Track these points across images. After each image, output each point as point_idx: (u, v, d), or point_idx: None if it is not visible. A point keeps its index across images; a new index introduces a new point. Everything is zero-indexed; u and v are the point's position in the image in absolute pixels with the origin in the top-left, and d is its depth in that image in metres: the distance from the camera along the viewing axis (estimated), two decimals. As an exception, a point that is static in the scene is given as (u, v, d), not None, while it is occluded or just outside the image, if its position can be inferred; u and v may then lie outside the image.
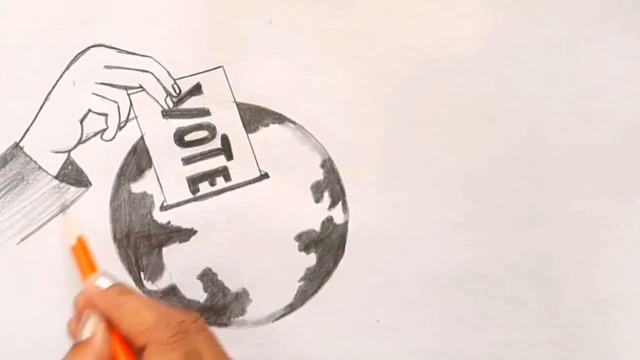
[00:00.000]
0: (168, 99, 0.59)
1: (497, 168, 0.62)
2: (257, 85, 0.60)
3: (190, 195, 0.60)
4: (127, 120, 0.59)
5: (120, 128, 0.59)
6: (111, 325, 0.51)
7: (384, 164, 0.61)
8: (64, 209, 0.58)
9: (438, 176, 0.62)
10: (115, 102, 0.59)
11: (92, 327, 0.51)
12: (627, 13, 0.62)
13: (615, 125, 0.62)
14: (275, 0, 0.60)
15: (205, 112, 0.60)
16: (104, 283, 0.52)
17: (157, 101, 0.59)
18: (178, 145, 0.60)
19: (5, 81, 0.58)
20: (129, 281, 0.60)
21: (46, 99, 0.59)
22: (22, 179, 0.59)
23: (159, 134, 0.60)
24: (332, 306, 0.62)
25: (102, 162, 0.59)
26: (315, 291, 0.62)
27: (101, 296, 0.52)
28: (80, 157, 0.59)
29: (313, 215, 0.61)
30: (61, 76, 0.59)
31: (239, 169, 0.60)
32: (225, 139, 0.60)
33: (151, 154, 0.60)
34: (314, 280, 0.61)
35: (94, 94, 0.59)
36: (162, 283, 0.60)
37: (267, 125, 0.60)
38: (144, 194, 0.60)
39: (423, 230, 0.62)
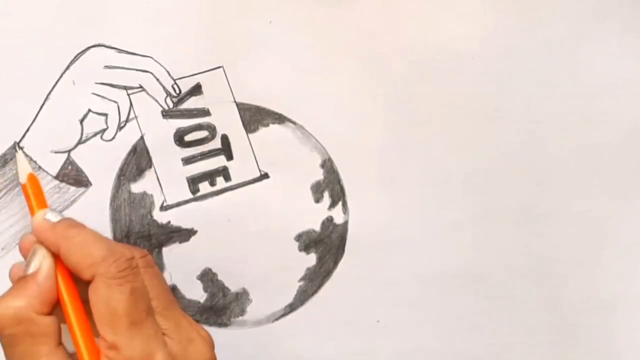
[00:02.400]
0: (168, 99, 0.59)
1: (497, 168, 0.62)
2: (257, 85, 0.60)
3: (190, 195, 0.60)
4: (127, 120, 0.59)
5: (120, 128, 0.59)
6: (57, 260, 0.51)
7: (384, 164, 0.61)
8: (15, 147, 0.58)
9: (438, 176, 0.62)
10: (115, 102, 0.59)
11: (38, 262, 0.50)
12: (627, 13, 0.62)
13: (615, 125, 0.62)
14: (275, 0, 0.60)
15: (205, 112, 0.60)
16: (53, 217, 0.52)
17: (157, 101, 0.59)
18: (178, 145, 0.60)
19: (5, 81, 0.58)
20: (129, 281, 0.60)
21: (46, 99, 0.59)
22: (22, 179, 0.59)
23: (159, 134, 0.60)
24: (332, 306, 0.62)
25: (102, 162, 0.59)
26: (315, 291, 0.62)
27: (50, 229, 0.51)
28: (80, 157, 0.59)
29: (313, 215, 0.61)
30: (61, 76, 0.59)
31: (239, 169, 0.60)
32: (225, 139, 0.60)
33: (151, 154, 0.60)
34: (314, 280, 0.61)
35: (94, 94, 0.59)
36: (162, 283, 0.60)
37: (267, 125, 0.60)
38: (144, 194, 0.60)
39: (423, 230, 0.62)
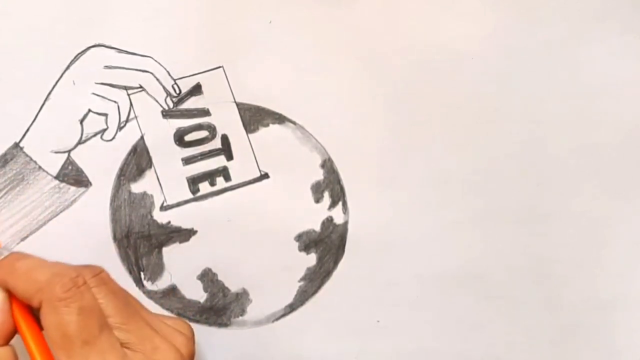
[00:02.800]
0: (168, 99, 0.59)
1: (497, 168, 0.62)
2: (257, 85, 0.60)
3: (190, 195, 0.60)
4: (127, 120, 0.59)
5: (120, 128, 0.59)
6: (11, 294, 0.50)
7: (384, 164, 0.61)
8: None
9: (438, 176, 0.62)
10: (115, 102, 0.59)
11: None
12: (628, 13, 0.62)
13: (615, 125, 0.62)
14: (275, 0, 0.60)
15: (205, 112, 0.60)
16: (1, 254, 0.52)
17: (157, 101, 0.59)
18: (178, 145, 0.60)
19: (5, 81, 0.58)
20: (129, 281, 0.60)
21: (46, 99, 0.59)
22: (22, 179, 0.59)
23: (159, 134, 0.60)
24: (332, 306, 0.62)
25: (102, 162, 0.59)
26: (315, 291, 0.62)
27: None
28: (80, 157, 0.59)
29: (313, 215, 0.61)
30: (61, 76, 0.59)
31: (239, 169, 0.60)
32: (225, 139, 0.60)
33: (151, 154, 0.60)
34: (314, 280, 0.61)
35: (94, 94, 0.59)
36: (162, 283, 0.60)
37: (267, 125, 0.60)
38: (144, 194, 0.60)
39: (423, 230, 0.62)
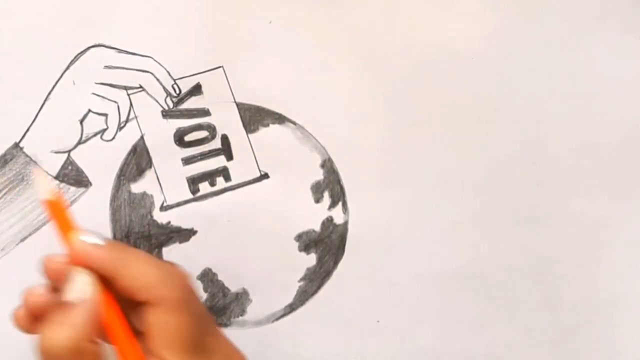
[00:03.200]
0: (168, 99, 0.59)
1: (497, 168, 0.62)
2: (257, 85, 0.60)
3: (190, 196, 0.60)
4: (127, 121, 0.59)
5: (120, 128, 0.59)
6: (104, 285, 0.49)
7: (384, 164, 0.61)
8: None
9: (438, 176, 0.62)
10: (115, 102, 0.59)
11: (81, 289, 0.48)
12: (628, 13, 0.62)
13: (615, 125, 0.62)
14: (275, 0, 0.60)
15: (205, 112, 0.60)
16: (91, 239, 0.49)
17: (157, 101, 0.59)
18: (178, 145, 0.60)
19: (5, 81, 0.58)
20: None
21: (46, 99, 0.59)
22: (22, 179, 0.59)
23: (159, 134, 0.60)
24: (332, 306, 0.62)
25: (102, 162, 0.59)
26: (315, 291, 0.62)
27: (100, 251, 0.49)
28: (80, 157, 0.59)
29: (313, 215, 0.61)
30: (61, 76, 0.59)
31: (239, 169, 0.60)
32: (225, 139, 0.60)
33: (151, 154, 0.60)
34: (314, 280, 0.61)
35: (94, 94, 0.59)
36: (162, 283, 0.60)
37: (267, 125, 0.60)
38: (144, 194, 0.60)
39: (423, 230, 0.62)
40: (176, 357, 0.47)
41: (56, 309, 0.48)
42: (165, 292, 0.48)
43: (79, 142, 0.59)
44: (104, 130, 0.59)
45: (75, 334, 0.47)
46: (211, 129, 0.60)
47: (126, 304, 0.49)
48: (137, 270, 0.49)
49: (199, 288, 0.61)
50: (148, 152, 0.60)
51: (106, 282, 0.49)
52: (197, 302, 0.50)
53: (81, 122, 0.59)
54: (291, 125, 0.61)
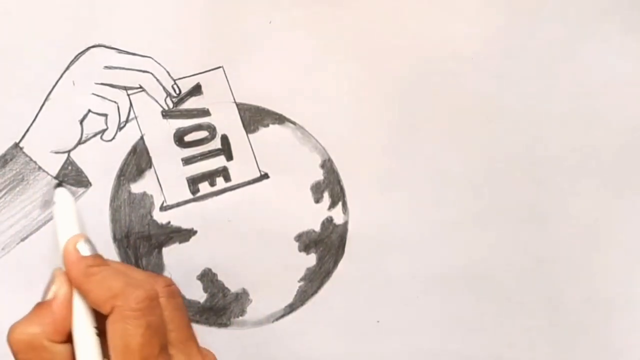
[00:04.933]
0: (168, 99, 0.59)
1: (497, 168, 0.62)
2: (257, 85, 0.60)
3: (190, 196, 0.60)
4: (127, 121, 0.59)
5: (120, 128, 0.59)
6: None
7: (384, 164, 0.61)
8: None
9: (438, 176, 0.62)
10: (115, 102, 0.59)
11: (55, 289, 0.50)
12: (628, 13, 0.62)
13: (615, 125, 0.62)
14: (275, 0, 0.60)
15: (205, 113, 0.60)
16: (84, 249, 0.50)
17: (157, 101, 0.59)
18: (178, 145, 0.60)
19: (5, 81, 0.58)
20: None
21: (46, 99, 0.59)
22: (22, 179, 0.59)
23: (159, 135, 0.60)
24: (332, 306, 0.62)
25: (102, 162, 0.59)
26: (315, 291, 0.62)
27: (74, 263, 0.50)
28: (80, 157, 0.59)
29: (313, 215, 0.61)
30: (61, 76, 0.59)
31: (239, 169, 0.60)
32: (225, 139, 0.60)
33: (151, 154, 0.60)
34: (314, 281, 0.61)
35: (94, 94, 0.59)
36: (162, 283, 0.60)
37: (267, 125, 0.60)
38: (144, 194, 0.60)
39: (423, 231, 0.62)
40: None
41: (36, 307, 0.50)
42: (117, 302, 0.48)
43: (79, 142, 0.59)
44: (104, 131, 0.59)
45: (37, 332, 0.48)
46: (211, 129, 0.60)
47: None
48: (100, 286, 0.49)
49: (199, 288, 0.61)
50: (148, 152, 0.60)
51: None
52: (156, 315, 0.49)
53: (81, 122, 0.59)
54: (291, 125, 0.61)
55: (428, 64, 0.61)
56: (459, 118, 0.61)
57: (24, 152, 0.58)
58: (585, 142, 0.62)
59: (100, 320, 0.49)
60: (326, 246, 0.61)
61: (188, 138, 0.60)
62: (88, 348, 0.49)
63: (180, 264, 0.60)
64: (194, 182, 0.60)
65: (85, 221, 0.58)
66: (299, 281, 0.61)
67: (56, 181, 0.58)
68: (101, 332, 0.49)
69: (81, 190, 0.59)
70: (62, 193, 0.53)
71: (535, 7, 0.61)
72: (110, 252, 0.60)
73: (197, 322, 0.61)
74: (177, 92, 0.59)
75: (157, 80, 0.59)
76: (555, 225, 0.62)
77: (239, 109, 0.60)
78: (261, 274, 0.61)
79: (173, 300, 0.51)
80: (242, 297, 0.61)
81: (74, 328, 0.49)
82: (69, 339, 0.49)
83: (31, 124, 0.59)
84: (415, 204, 0.62)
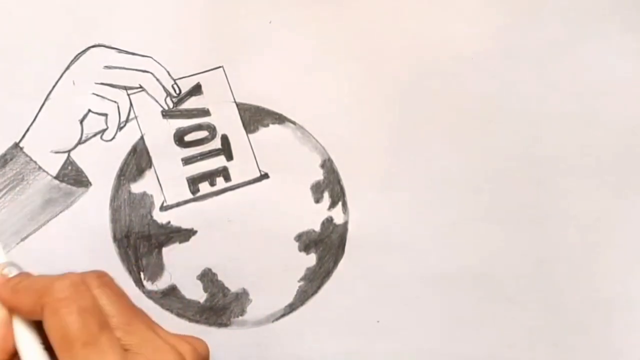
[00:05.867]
0: (168, 99, 0.59)
1: (497, 168, 0.62)
2: (257, 85, 0.60)
3: (190, 196, 0.60)
4: (127, 121, 0.59)
5: (120, 128, 0.59)
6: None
7: (384, 164, 0.61)
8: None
9: (438, 176, 0.62)
10: (115, 102, 0.59)
11: None
12: (628, 13, 0.62)
13: (615, 125, 0.62)
14: (275, 0, 0.60)
15: (205, 112, 0.60)
16: (10, 272, 0.50)
17: (157, 101, 0.59)
18: (178, 145, 0.60)
19: (5, 81, 0.58)
20: (129, 281, 0.60)
21: (46, 99, 0.59)
22: (22, 179, 0.59)
23: (159, 134, 0.60)
24: (332, 306, 0.62)
25: (102, 162, 0.59)
26: (315, 291, 0.62)
27: (2, 286, 0.50)
28: (80, 157, 0.59)
29: (313, 215, 0.61)
30: (61, 76, 0.59)
31: (239, 169, 0.60)
32: (225, 139, 0.60)
33: (151, 154, 0.60)
34: (314, 280, 0.61)
35: (94, 94, 0.59)
36: (162, 283, 0.60)
37: (267, 125, 0.60)
38: (144, 194, 0.60)
39: (423, 231, 0.62)
40: (66, 358, 0.47)
41: None
42: (45, 299, 0.48)
43: (79, 142, 0.59)
44: (104, 130, 0.59)
45: None
46: (211, 129, 0.60)
47: None
48: (28, 292, 0.49)
49: (199, 288, 0.61)
50: (148, 152, 0.60)
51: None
52: (86, 299, 0.48)
53: (81, 122, 0.59)
54: (291, 125, 0.61)
55: (428, 64, 0.61)
56: (459, 118, 0.61)
57: (24, 152, 0.58)
58: (585, 142, 0.62)
59: (45, 336, 0.49)
60: (326, 246, 0.61)
61: (188, 138, 0.60)
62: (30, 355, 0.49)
63: (180, 264, 0.60)
64: (194, 182, 0.60)
65: (85, 221, 0.58)
66: (299, 281, 0.61)
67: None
68: (47, 348, 0.49)
69: (81, 190, 0.59)
70: None
71: (535, 7, 0.61)
72: (110, 252, 0.60)
73: (197, 322, 0.61)
74: (177, 92, 0.59)
75: (157, 80, 0.59)
76: (555, 225, 0.62)
77: (239, 109, 0.60)
78: (261, 274, 0.61)
79: (107, 289, 0.50)
80: (242, 297, 0.61)
81: (19, 347, 0.49)
82: (13, 358, 0.49)
83: (31, 124, 0.59)
84: (415, 204, 0.62)
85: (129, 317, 0.50)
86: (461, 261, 0.62)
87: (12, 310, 0.49)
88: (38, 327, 0.49)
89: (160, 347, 0.49)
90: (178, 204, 0.60)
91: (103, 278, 0.50)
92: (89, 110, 0.59)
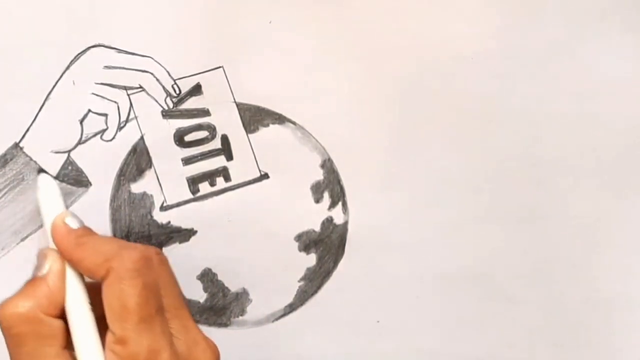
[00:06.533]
0: (168, 99, 0.59)
1: (497, 168, 0.62)
2: (257, 85, 0.60)
3: (190, 196, 0.60)
4: (127, 121, 0.59)
5: (120, 128, 0.59)
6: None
7: (384, 164, 0.61)
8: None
9: (438, 176, 0.62)
10: (115, 102, 0.59)
11: (48, 265, 0.49)
12: (628, 13, 0.62)
13: (615, 125, 0.62)
14: (275, 0, 0.60)
15: (205, 113, 0.60)
16: (73, 223, 0.51)
17: (157, 101, 0.59)
18: (178, 145, 0.60)
19: (5, 81, 0.58)
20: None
21: (46, 99, 0.59)
22: (22, 179, 0.59)
23: (159, 134, 0.60)
24: (332, 306, 0.62)
25: (102, 162, 0.59)
26: (315, 291, 0.62)
27: (64, 236, 0.50)
28: (80, 157, 0.59)
29: (313, 215, 0.61)
30: (61, 76, 0.59)
31: (239, 169, 0.60)
32: (225, 139, 0.60)
33: (151, 154, 0.60)
34: (314, 280, 0.61)
35: (94, 94, 0.59)
36: (162, 283, 0.60)
37: (267, 125, 0.60)
38: (144, 194, 0.60)
39: (423, 231, 0.62)
40: (119, 328, 0.47)
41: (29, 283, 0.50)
42: (113, 264, 0.48)
43: (79, 142, 0.59)
44: (104, 131, 0.59)
45: (31, 305, 0.48)
46: (211, 129, 0.60)
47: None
48: (93, 252, 0.49)
49: (199, 288, 0.61)
50: (148, 152, 0.60)
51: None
52: (151, 276, 0.48)
53: (81, 122, 0.59)
54: (291, 125, 0.61)
55: (428, 64, 0.61)
56: (459, 118, 0.61)
57: (24, 152, 0.58)
58: (585, 142, 0.62)
59: (93, 296, 0.49)
60: (326, 246, 0.61)
61: (188, 138, 0.60)
62: (83, 321, 0.48)
63: (180, 264, 0.60)
64: (194, 182, 0.60)
65: (85, 221, 0.58)
66: (299, 281, 0.61)
67: (37, 166, 0.58)
68: (94, 309, 0.49)
69: (81, 190, 0.59)
70: (45, 178, 0.53)
71: (535, 7, 0.61)
72: (110, 252, 0.59)
73: (197, 322, 0.60)
74: (177, 92, 0.59)
75: (157, 80, 0.59)
76: (555, 225, 0.62)
77: (239, 109, 0.60)
78: (261, 274, 0.61)
79: (164, 267, 0.50)
80: (242, 297, 0.61)
81: (67, 303, 0.49)
82: (63, 315, 0.49)
83: (31, 124, 0.58)
84: (415, 204, 0.62)
85: (179, 302, 0.50)
86: (461, 261, 0.62)
87: (72, 264, 0.49)
88: (89, 286, 0.49)
89: (199, 339, 0.50)
90: (178, 204, 0.60)
91: (162, 256, 0.51)
92: (89, 110, 0.59)
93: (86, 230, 0.51)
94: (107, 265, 0.48)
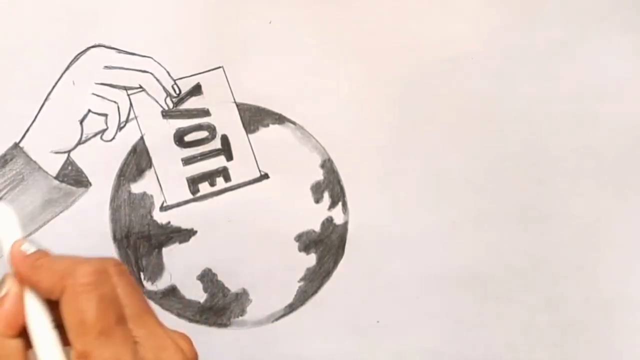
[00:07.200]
0: (168, 99, 0.59)
1: (497, 168, 0.62)
2: (257, 85, 0.60)
3: (190, 196, 0.60)
4: (127, 121, 0.59)
5: (120, 128, 0.59)
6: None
7: (384, 164, 0.61)
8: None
9: (438, 176, 0.62)
10: (115, 102, 0.59)
11: (5, 289, 0.50)
12: (628, 13, 0.62)
13: (615, 125, 0.62)
14: (275, 0, 0.60)
15: (205, 113, 0.60)
16: (28, 248, 0.50)
17: (157, 101, 0.59)
18: (178, 145, 0.60)
19: (5, 81, 0.58)
20: (129, 281, 0.60)
21: (46, 99, 0.59)
22: (22, 179, 0.59)
23: (159, 135, 0.60)
24: (332, 306, 0.62)
25: (102, 163, 0.59)
26: (315, 291, 0.62)
27: (21, 261, 0.50)
28: (80, 157, 0.59)
29: (313, 215, 0.61)
30: (61, 76, 0.59)
31: (239, 169, 0.60)
32: (225, 139, 0.60)
33: (151, 154, 0.60)
34: (314, 281, 0.61)
35: (94, 94, 0.59)
36: (162, 283, 0.60)
37: (267, 125, 0.60)
38: (144, 194, 0.60)
39: (423, 231, 0.62)
40: (80, 343, 0.47)
41: None
42: (67, 281, 0.48)
43: (79, 142, 0.59)
44: (104, 131, 0.59)
45: None
46: (211, 129, 0.60)
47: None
48: (48, 271, 0.49)
49: (199, 288, 0.61)
50: (148, 152, 0.60)
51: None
52: (108, 288, 0.48)
53: (81, 122, 0.59)
54: (291, 125, 0.61)
55: (428, 64, 0.61)
56: (459, 118, 0.61)
57: (24, 152, 0.58)
58: (585, 142, 0.62)
59: (56, 315, 0.49)
60: (326, 246, 0.61)
61: (188, 138, 0.60)
62: (45, 341, 0.49)
63: (180, 264, 0.60)
64: (194, 182, 0.60)
65: (85, 221, 0.58)
66: (299, 281, 0.61)
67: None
68: (57, 327, 0.49)
69: (81, 190, 0.59)
70: (1, 207, 0.53)
71: (535, 7, 0.61)
72: (110, 252, 0.60)
73: (197, 322, 0.61)
74: (177, 92, 0.59)
75: (157, 80, 0.59)
76: (555, 225, 0.62)
77: (239, 109, 0.60)
78: (261, 274, 0.61)
79: (124, 278, 0.50)
80: (242, 297, 0.61)
81: (29, 324, 0.49)
82: (21, 335, 0.49)
83: (31, 124, 0.59)
84: (415, 204, 0.62)
85: (142, 310, 0.50)
86: (461, 261, 0.62)
87: (30, 287, 0.49)
88: (50, 306, 0.49)
89: (167, 344, 0.49)
90: (178, 204, 0.60)
91: (120, 267, 0.50)
92: (89, 111, 0.59)
93: (42, 254, 0.51)
94: (63, 283, 0.48)
